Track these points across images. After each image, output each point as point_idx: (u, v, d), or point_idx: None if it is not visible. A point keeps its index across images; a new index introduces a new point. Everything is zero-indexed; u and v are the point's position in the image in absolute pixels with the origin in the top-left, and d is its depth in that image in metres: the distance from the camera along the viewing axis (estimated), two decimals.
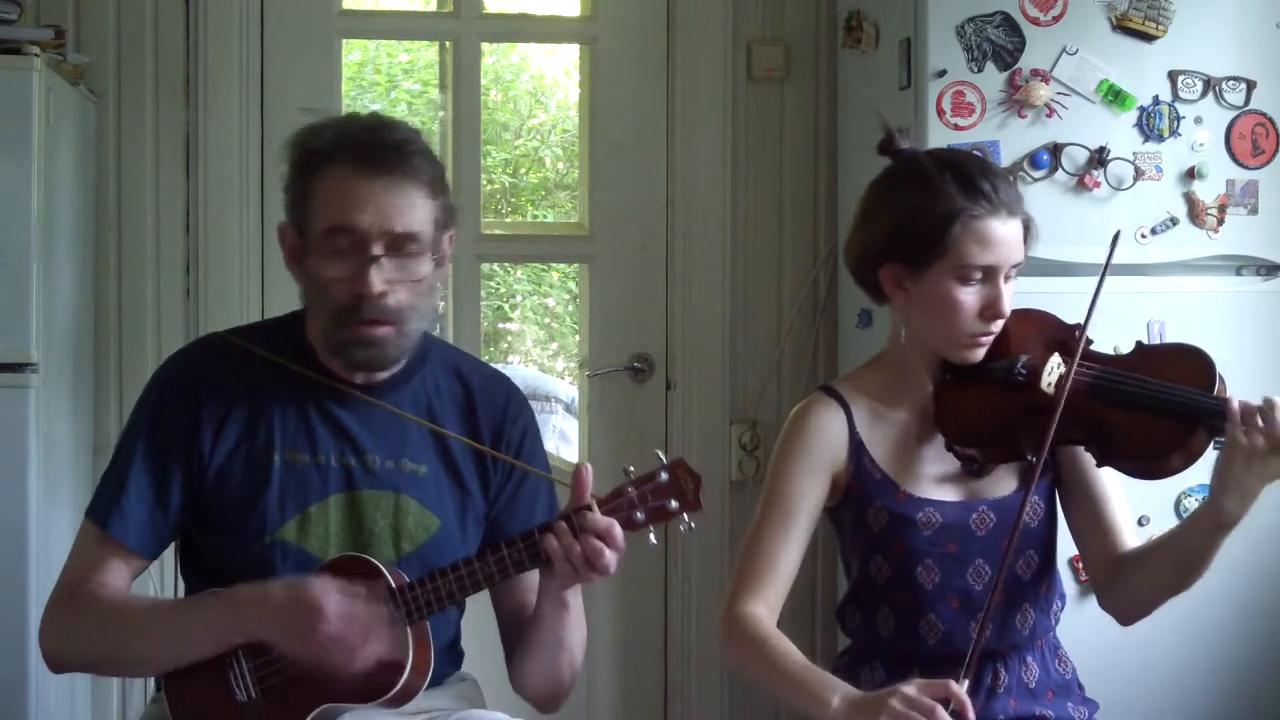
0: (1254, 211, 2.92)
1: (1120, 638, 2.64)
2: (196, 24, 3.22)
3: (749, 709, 3.46)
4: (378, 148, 1.86)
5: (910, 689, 1.77)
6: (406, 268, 1.86)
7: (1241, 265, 2.94)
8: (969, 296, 1.95)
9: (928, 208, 1.94)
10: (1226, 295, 2.91)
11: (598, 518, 1.79)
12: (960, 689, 1.78)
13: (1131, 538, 2.06)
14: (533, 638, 1.96)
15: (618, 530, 1.79)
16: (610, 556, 1.78)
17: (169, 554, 2.05)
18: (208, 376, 1.95)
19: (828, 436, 2.01)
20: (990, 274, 1.95)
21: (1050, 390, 1.95)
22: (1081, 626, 2.45)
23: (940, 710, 1.75)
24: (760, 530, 2.01)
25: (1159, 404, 1.91)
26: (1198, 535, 1.92)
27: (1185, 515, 2.85)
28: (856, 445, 2.01)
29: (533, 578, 1.94)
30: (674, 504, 1.81)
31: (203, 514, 1.93)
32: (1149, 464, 1.94)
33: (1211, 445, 1.93)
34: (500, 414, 2.02)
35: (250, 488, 1.90)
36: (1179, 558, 1.96)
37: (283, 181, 1.93)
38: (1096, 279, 1.98)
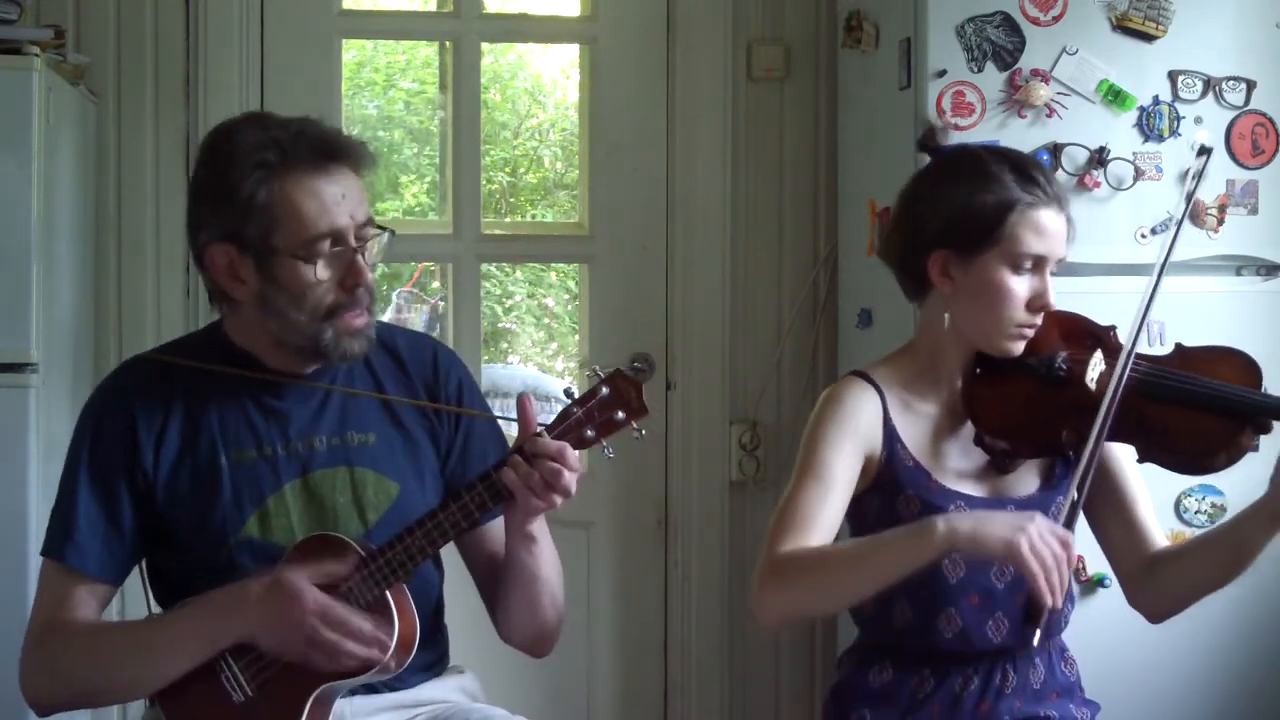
0: (1254, 211, 2.92)
1: (1121, 639, 2.65)
2: (196, 24, 3.23)
3: (749, 708, 3.46)
4: (329, 142, 1.88)
5: (1042, 520, 1.79)
6: (371, 254, 1.90)
7: (1241, 265, 2.94)
8: (1019, 286, 1.97)
9: (985, 195, 1.97)
10: (1226, 295, 2.91)
11: (548, 442, 1.80)
12: (1071, 537, 1.81)
13: (1161, 536, 2.07)
14: (509, 581, 1.96)
15: (570, 451, 1.80)
16: (568, 476, 1.80)
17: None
18: (138, 394, 1.94)
19: (864, 416, 2.00)
20: (1040, 265, 1.98)
21: (1093, 386, 1.96)
22: (1081, 627, 2.44)
23: (1068, 551, 1.78)
24: (796, 494, 1.96)
25: (1209, 401, 1.92)
26: (1253, 527, 1.92)
27: (1185, 514, 2.86)
28: (890, 431, 2.01)
29: (499, 526, 1.95)
30: (621, 414, 1.82)
31: (162, 533, 1.93)
32: (1195, 460, 1.95)
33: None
34: (430, 371, 2.04)
35: (203, 495, 1.90)
36: (1229, 550, 1.96)
37: (205, 205, 1.89)
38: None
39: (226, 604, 1.82)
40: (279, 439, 1.93)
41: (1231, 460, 1.93)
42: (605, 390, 1.82)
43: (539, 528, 1.92)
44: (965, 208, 1.97)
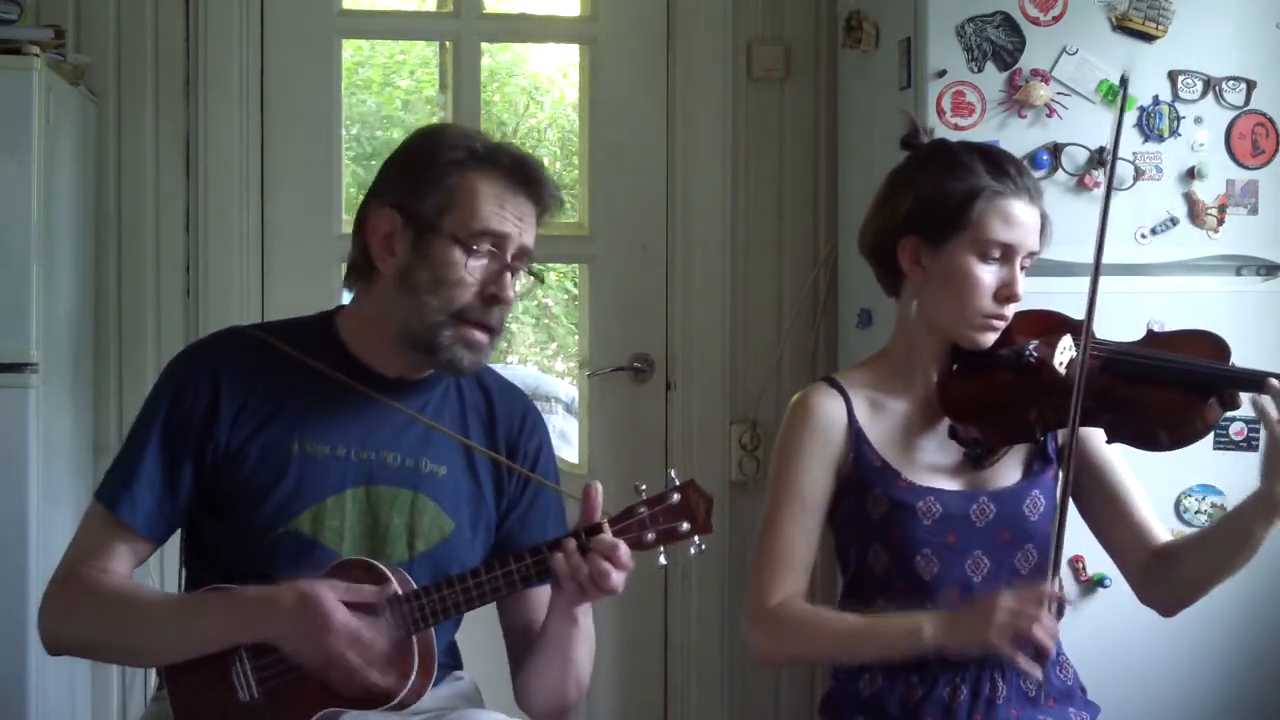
0: (1254, 211, 2.92)
1: (1120, 639, 2.65)
2: (196, 24, 3.23)
3: (749, 709, 3.46)
4: (532, 168, 1.94)
5: (1007, 597, 1.84)
6: (517, 284, 1.92)
7: (1241, 265, 2.94)
8: (987, 275, 1.99)
9: (954, 182, 1.99)
10: (1226, 295, 2.91)
11: (605, 538, 1.78)
12: (1052, 588, 1.86)
13: (1161, 530, 2.08)
14: (540, 653, 1.95)
15: (624, 550, 1.79)
16: (617, 577, 1.78)
17: (172, 545, 2.03)
18: (229, 364, 1.94)
19: (828, 424, 2.03)
20: (1008, 254, 1.99)
21: (1063, 370, 1.97)
22: (1082, 629, 2.45)
23: (1045, 610, 1.83)
24: (774, 524, 2.02)
25: (1173, 375, 1.94)
26: (1252, 523, 1.93)
27: (1185, 514, 2.86)
28: (856, 433, 2.03)
29: (542, 595, 1.94)
30: (685, 526, 1.81)
31: (215, 502, 1.92)
32: (1162, 435, 1.95)
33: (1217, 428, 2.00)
34: (518, 426, 2.04)
35: (266, 475, 1.90)
36: (1232, 544, 1.97)
37: (396, 173, 1.94)
38: (1100, 278, 1.98)
39: (257, 604, 1.81)
40: (354, 443, 1.93)
41: (1198, 434, 1.94)
42: (676, 497, 1.81)
43: (583, 612, 1.91)
44: (934, 194, 2.00)
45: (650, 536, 1.80)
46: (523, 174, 1.91)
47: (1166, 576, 2.04)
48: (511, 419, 2.03)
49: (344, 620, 1.75)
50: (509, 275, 1.89)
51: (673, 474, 1.83)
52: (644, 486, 1.83)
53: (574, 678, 1.96)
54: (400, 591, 1.81)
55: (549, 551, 1.80)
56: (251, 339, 1.99)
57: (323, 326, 1.99)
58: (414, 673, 1.80)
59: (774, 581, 1.99)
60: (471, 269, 1.87)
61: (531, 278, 1.97)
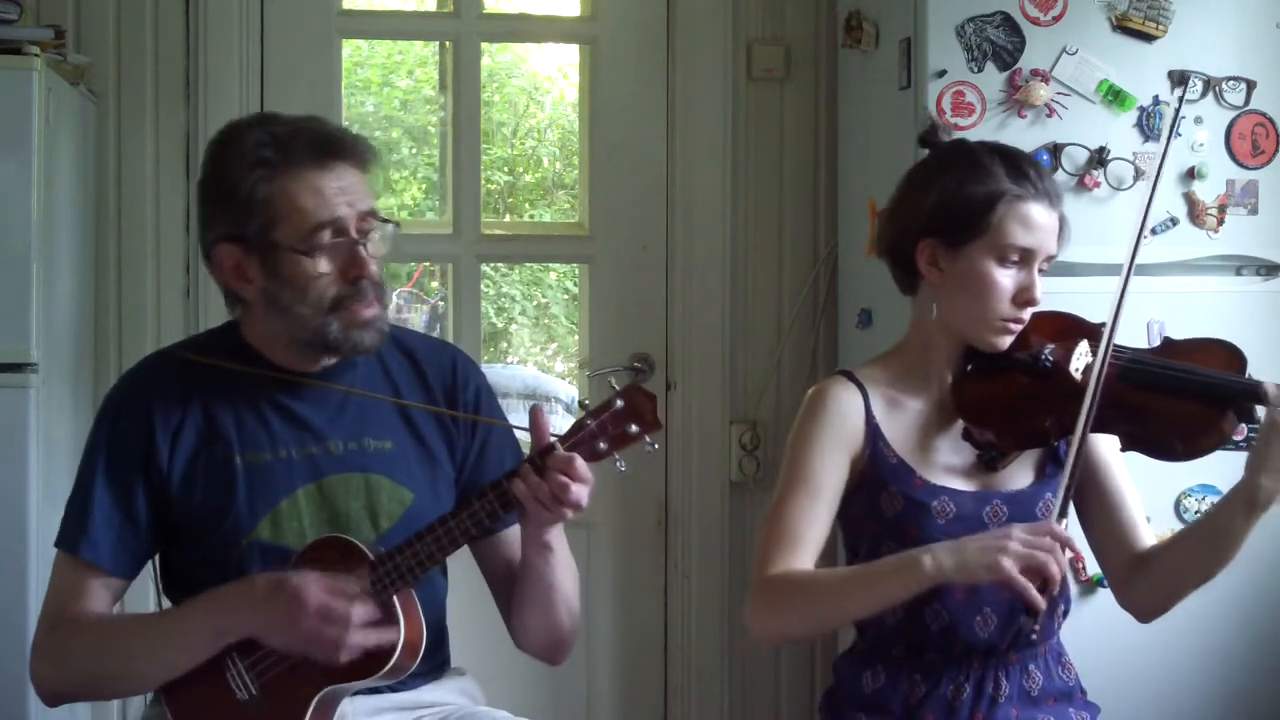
0: (1254, 211, 2.92)
1: (1121, 641, 2.65)
2: (196, 24, 3.23)
3: (749, 709, 3.46)
4: (330, 138, 1.90)
5: (1020, 528, 1.82)
6: (374, 244, 1.90)
7: (1241, 265, 2.94)
8: (1005, 279, 1.98)
9: (974, 185, 1.98)
10: (1226, 295, 2.91)
11: (559, 454, 1.80)
12: (1061, 528, 1.84)
13: (1149, 535, 2.08)
14: (526, 589, 1.96)
15: (579, 462, 1.80)
16: (577, 489, 1.79)
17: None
18: (157, 390, 1.94)
19: (846, 417, 2.01)
20: (1027, 258, 1.98)
21: (1079, 376, 1.96)
22: (1081, 629, 2.44)
23: (1059, 549, 1.80)
24: (784, 505, 1.99)
25: (1190, 386, 1.93)
26: (1232, 516, 1.93)
27: (1185, 514, 2.86)
28: (873, 429, 2.02)
29: (516, 534, 1.96)
30: (634, 428, 1.81)
31: (174, 528, 1.93)
32: (1178, 446, 1.95)
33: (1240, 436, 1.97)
34: (450, 377, 2.04)
35: (217, 494, 1.90)
36: (1210, 542, 1.96)
37: (211, 205, 1.91)
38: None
39: (232, 600, 1.83)
40: (294, 442, 1.93)
41: (1214, 446, 1.94)
42: (620, 403, 1.82)
43: (556, 537, 1.91)
44: (954, 197, 1.99)
45: (603, 445, 1.81)
46: (324, 148, 1.88)
47: (1146, 579, 2.03)
48: (443, 373, 2.04)
49: (315, 596, 1.77)
50: (361, 248, 1.87)
51: (613, 383, 1.84)
52: (587, 401, 1.86)
53: (563, 605, 1.97)
54: (372, 558, 1.82)
55: (508, 481, 1.81)
56: (175, 359, 1.99)
57: (230, 335, 1.99)
58: (401, 638, 1.80)
59: (778, 556, 1.95)
60: (323, 265, 1.86)
61: (387, 225, 1.92)
